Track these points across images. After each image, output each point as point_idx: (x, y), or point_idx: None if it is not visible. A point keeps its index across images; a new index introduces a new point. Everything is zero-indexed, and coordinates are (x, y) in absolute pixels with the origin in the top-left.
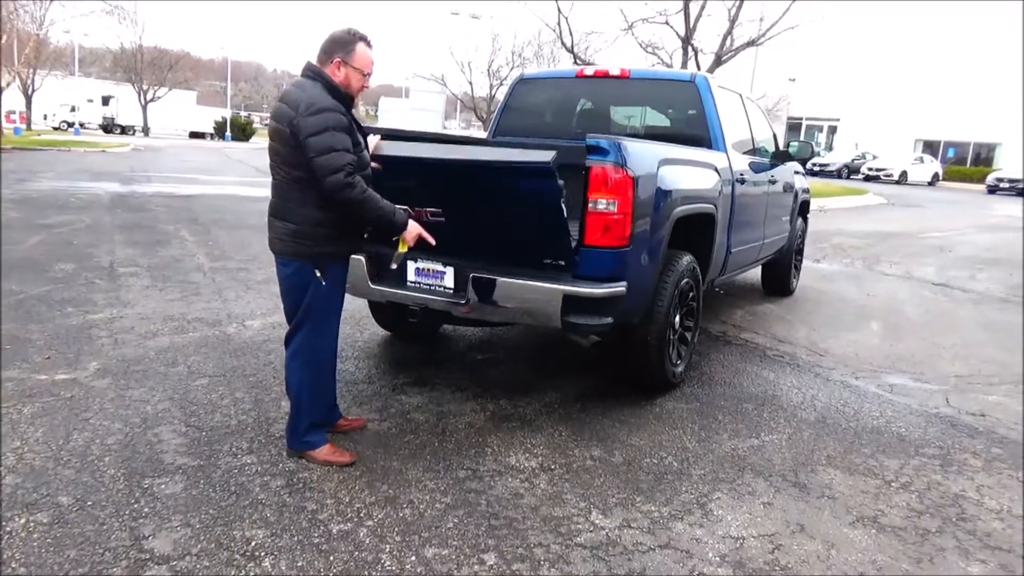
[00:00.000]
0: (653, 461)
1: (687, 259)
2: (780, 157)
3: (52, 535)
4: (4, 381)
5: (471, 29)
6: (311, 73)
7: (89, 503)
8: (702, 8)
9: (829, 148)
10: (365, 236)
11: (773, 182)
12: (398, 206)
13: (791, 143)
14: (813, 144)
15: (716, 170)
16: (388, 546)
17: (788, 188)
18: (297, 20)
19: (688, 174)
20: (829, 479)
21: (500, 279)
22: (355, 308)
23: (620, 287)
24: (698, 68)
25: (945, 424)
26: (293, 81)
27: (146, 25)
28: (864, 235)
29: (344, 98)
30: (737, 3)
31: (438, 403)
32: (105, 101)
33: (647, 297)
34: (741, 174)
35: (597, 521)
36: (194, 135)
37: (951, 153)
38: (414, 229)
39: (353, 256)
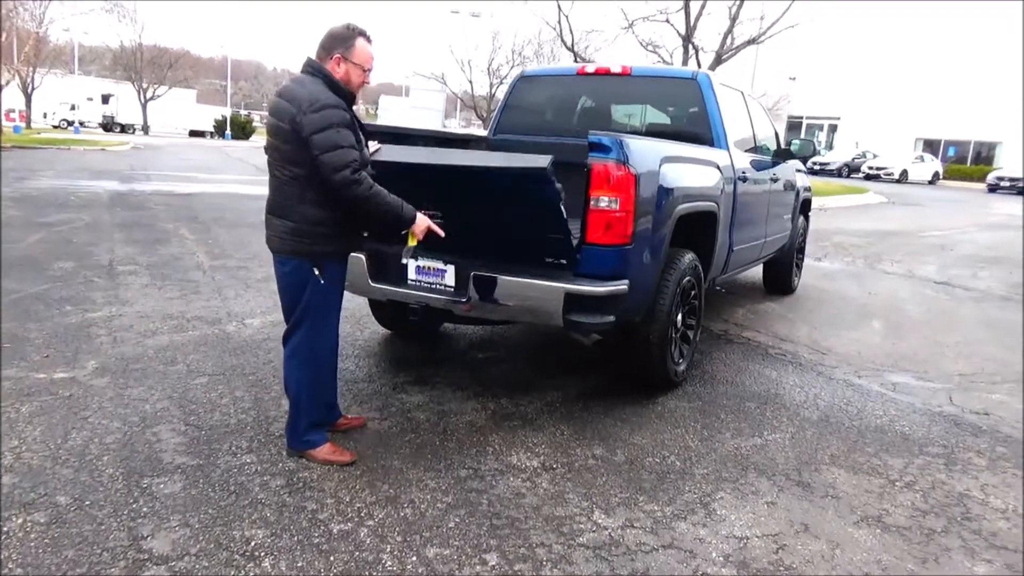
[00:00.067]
0: (655, 460)
1: (689, 257)
2: (782, 155)
3: (50, 535)
4: (3, 380)
5: (471, 27)
6: (311, 69)
7: (87, 503)
8: (703, 7)
9: (829, 147)
10: (365, 235)
11: (775, 180)
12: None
13: (792, 141)
14: (815, 142)
15: (718, 168)
16: (389, 546)
17: (790, 186)
18: (297, 18)
19: (690, 172)
20: (833, 478)
21: (501, 277)
22: (355, 306)
23: (622, 285)
24: (699, 66)
25: (949, 423)
26: (292, 77)
27: (146, 23)
28: (865, 234)
29: (345, 94)
30: (738, 2)
31: (439, 402)
32: (105, 99)
33: (649, 295)
34: (743, 172)
35: (600, 521)
36: (194, 133)
37: (951, 152)
38: (423, 222)
39: (353, 254)
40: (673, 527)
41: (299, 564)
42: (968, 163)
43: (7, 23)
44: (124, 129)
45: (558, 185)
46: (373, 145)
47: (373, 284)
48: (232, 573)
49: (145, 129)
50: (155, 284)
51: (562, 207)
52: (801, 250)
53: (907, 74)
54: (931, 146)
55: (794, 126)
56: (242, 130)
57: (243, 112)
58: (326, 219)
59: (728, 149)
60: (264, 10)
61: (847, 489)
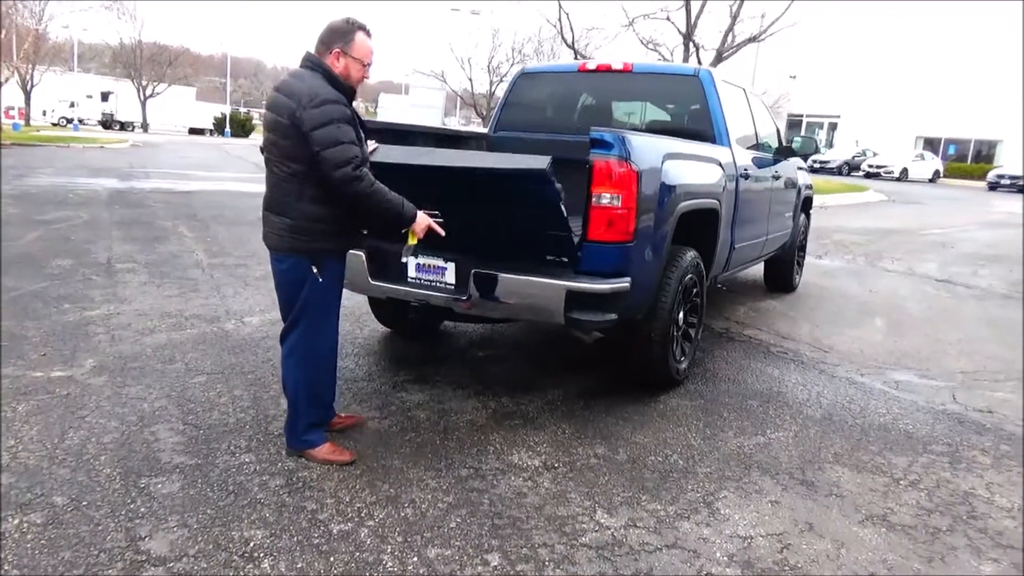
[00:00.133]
0: (658, 459)
1: (691, 255)
2: (783, 153)
3: (46, 536)
4: (1, 379)
5: (471, 25)
6: (310, 63)
7: (84, 503)
8: (703, 5)
9: (830, 145)
10: (365, 232)
11: (777, 178)
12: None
13: (794, 138)
14: (816, 139)
15: (720, 165)
16: (390, 547)
17: (791, 184)
18: (297, 16)
19: (692, 169)
20: (837, 477)
21: (502, 275)
22: (355, 304)
23: (624, 283)
24: (699, 64)
25: (952, 421)
26: (291, 71)
27: (145, 21)
28: (865, 231)
29: (345, 89)
30: (738, 0)
31: (439, 401)
32: (104, 97)
33: (651, 293)
34: (745, 169)
35: (602, 520)
36: (193, 131)
37: (952, 150)
38: (423, 221)
39: (353, 252)
40: (676, 527)
41: (299, 565)
42: (968, 161)
43: (6, 20)
44: (123, 127)
45: (558, 185)
46: (371, 144)
47: (373, 282)
48: (231, 574)
49: (144, 127)
50: (153, 282)
51: (562, 206)
52: (802, 248)
53: (907, 72)
54: (931, 144)
55: (794, 124)
56: (241, 128)
57: (242, 110)
58: (325, 216)
59: (730, 146)
60: (264, 8)
61: (851, 488)
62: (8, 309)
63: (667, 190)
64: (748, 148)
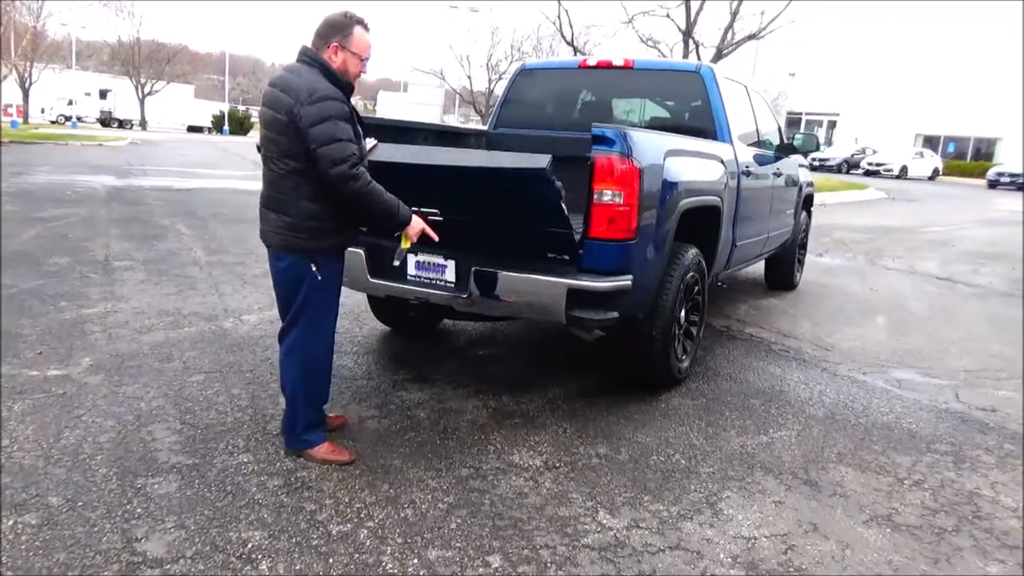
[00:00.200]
0: (660, 459)
1: (693, 252)
2: (784, 150)
3: (41, 537)
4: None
5: (470, 23)
6: (307, 58)
7: (80, 504)
8: (703, 2)
9: (829, 143)
10: (364, 229)
11: (778, 175)
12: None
13: (795, 135)
14: (817, 136)
15: (722, 162)
16: (389, 548)
17: (793, 181)
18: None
19: (694, 166)
20: (840, 477)
21: (502, 273)
22: (354, 303)
23: (626, 281)
24: (699, 61)
25: (956, 420)
26: (287, 66)
27: (143, 18)
28: (865, 229)
29: (343, 85)
30: None
31: (439, 400)
32: (102, 95)
33: (653, 291)
34: (747, 166)
35: (604, 521)
36: (192, 129)
37: (951, 148)
38: (417, 224)
39: (352, 249)
40: (679, 527)
41: (297, 567)
42: (968, 159)
43: (5, 17)
44: (122, 124)
45: (558, 184)
46: (370, 141)
47: (372, 280)
48: None
49: (143, 124)
50: (151, 280)
51: (563, 205)
52: (803, 246)
53: (907, 70)
54: (931, 142)
55: (793, 122)
56: (240, 126)
57: (241, 108)
58: (324, 214)
59: (732, 143)
60: (262, 5)
61: (855, 488)
62: (4, 307)
63: (669, 187)
64: (750, 145)
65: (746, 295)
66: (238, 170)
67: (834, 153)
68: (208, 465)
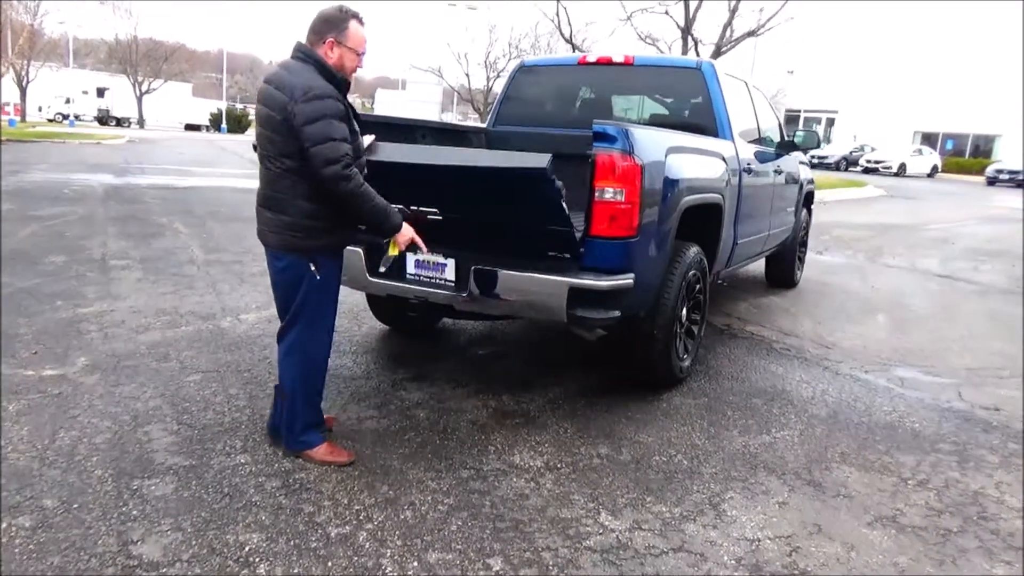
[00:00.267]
0: (662, 459)
1: (694, 250)
2: (785, 147)
3: (35, 540)
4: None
5: (468, 20)
6: (302, 55)
7: (75, 506)
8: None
9: (827, 140)
10: (363, 228)
11: (779, 172)
12: (393, 205)
13: (796, 132)
14: (818, 133)
15: (723, 159)
16: (389, 551)
17: (793, 178)
18: (292, 12)
19: (696, 163)
20: (844, 477)
21: (503, 271)
22: (353, 302)
23: (628, 279)
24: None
25: (959, 419)
26: (282, 63)
27: (141, 16)
28: (865, 227)
29: (339, 82)
30: None
31: (439, 399)
32: (100, 93)
33: (654, 290)
34: (748, 164)
35: (606, 523)
36: (189, 127)
37: (950, 145)
38: (407, 233)
39: (350, 248)
40: (682, 529)
41: (295, 570)
42: (966, 156)
43: (2, 16)
44: (119, 123)
45: (558, 183)
46: (368, 138)
47: (371, 279)
48: None
49: (140, 123)
50: (148, 278)
51: (563, 204)
52: (804, 243)
53: (905, 67)
54: (929, 139)
55: (792, 119)
56: (238, 124)
57: (238, 106)
58: (321, 212)
59: (733, 140)
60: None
61: (859, 488)
62: (2, 307)
63: (671, 184)
64: (751, 142)
65: (746, 293)
66: (236, 168)
67: (832, 151)
68: (205, 466)
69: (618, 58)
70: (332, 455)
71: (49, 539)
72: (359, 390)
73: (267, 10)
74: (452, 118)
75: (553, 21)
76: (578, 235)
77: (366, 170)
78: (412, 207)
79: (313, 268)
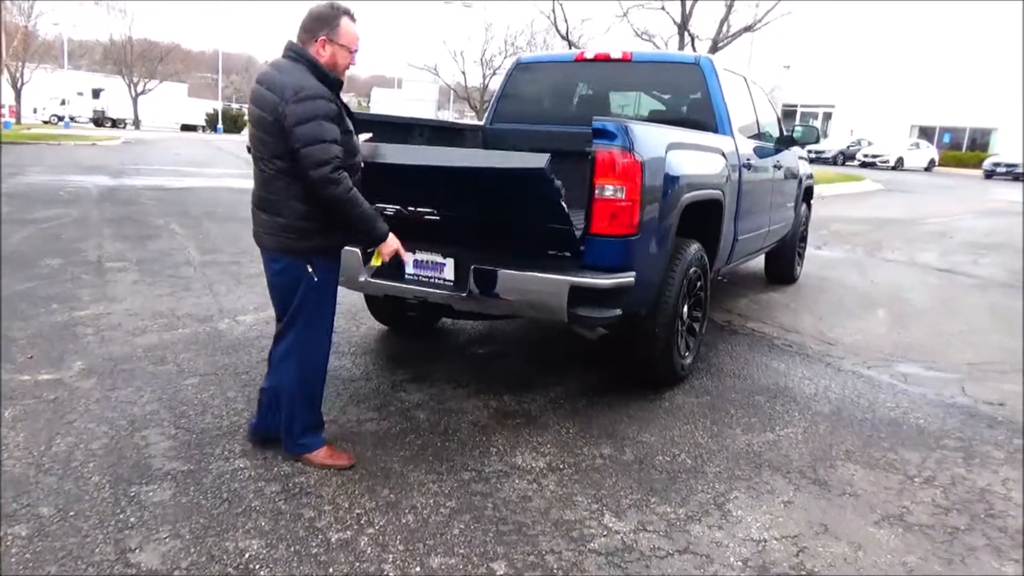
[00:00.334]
0: (666, 459)
1: (695, 248)
2: (784, 142)
3: (31, 549)
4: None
5: (464, 18)
6: (294, 54)
7: (72, 513)
8: None
9: (824, 135)
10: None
11: (778, 167)
12: (391, 205)
13: (795, 127)
14: (818, 128)
15: (723, 155)
16: (391, 555)
17: (793, 174)
18: (288, 11)
19: (696, 159)
20: (850, 475)
21: (503, 271)
22: (351, 302)
23: (629, 277)
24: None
25: (963, 414)
26: (273, 62)
27: (135, 17)
28: (863, 221)
29: (332, 81)
30: None
31: (439, 400)
32: (95, 94)
33: (655, 288)
34: (747, 159)
35: (611, 524)
36: (185, 128)
37: (947, 139)
38: (393, 244)
39: (348, 248)
40: (688, 530)
41: None
42: (963, 149)
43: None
44: (115, 124)
45: (557, 183)
46: (364, 135)
47: (369, 279)
48: None
49: (136, 123)
50: (144, 280)
51: (563, 203)
52: (803, 239)
53: (902, 61)
54: (926, 133)
55: (788, 114)
56: (234, 123)
57: (234, 106)
58: (316, 214)
59: (732, 136)
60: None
61: (865, 486)
62: None
63: (671, 181)
64: (750, 137)
65: (746, 289)
66: (232, 168)
67: (830, 145)
68: (204, 471)
69: (616, 54)
70: (332, 458)
71: (46, 548)
72: (358, 391)
73: (262, 9)
74: (448, 116)
75: (549, 18)
76: (578, 233)
77: (361, 170)
78: (409, 208)
79: (310, 270)
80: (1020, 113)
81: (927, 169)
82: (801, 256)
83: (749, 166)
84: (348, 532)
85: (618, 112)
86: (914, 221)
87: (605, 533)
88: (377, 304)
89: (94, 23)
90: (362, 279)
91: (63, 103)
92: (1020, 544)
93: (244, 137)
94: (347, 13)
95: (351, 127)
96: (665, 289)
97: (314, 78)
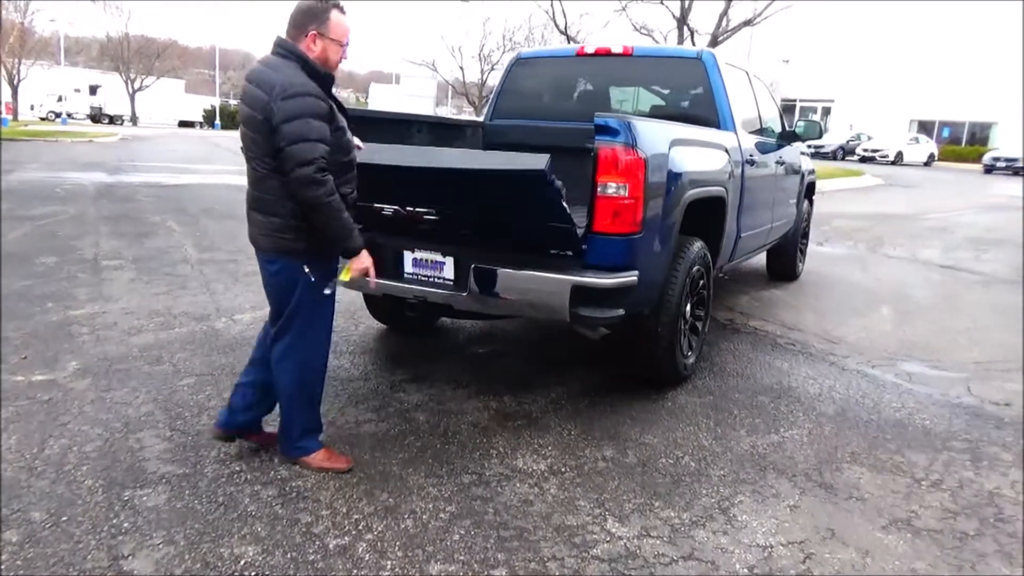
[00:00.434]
0: (669, 461)
1: (698, 245)
2: (787, 138)
3: (23, 556)
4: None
5: (462, 13)
6: (283, 51)
7: (64, 519)
8: None
9: (824, 129)
10: (359, 226)
11: (780, 163)
12: (383, 207)
13: (798, 123)
14: (821, 123)
15: (726, 151)
16: (390, 562)
17: (795, 169)
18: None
19: (699, 155)
20: (856, 478)
21: (503, 270)
22: (349, 300)
23: (632, 276)
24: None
25: (969, 415)
26: (263, 59)
27: (132, 13)
28: (864, 217)
29: (323, 77)
30: None
31: (439, 401)
32: (92, 91)
33: (658, 287)
34: (750, 155)
35: (614, 530)
36: (183, 124)
37: (946, 133)
38: (365, 261)
39: None
40: (692, 535)
41: None
42: (963, 144)
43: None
44: (112, 120)
45: (558, 184)
46: (355, 141)
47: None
48: None
49: (134, 120)
50: (141, 279)
51: (564, 203)
52: (805, 235)
53: (901, 55)
54: (925, 127)
55: (788, 109)
56: (231, 120)
57: (232, 102)
58: None
59: (735, 131)
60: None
61: (872, 490)
62: None
63: (674, 178)
64: (752, 133)
65: (748, 286)
66: (229, 165)
67: (829, 140)
68: (199, 475)
69: (617, 49)
70: (330, 461)
71: (37, 555)
72: (357, 392)
73: (259, 5)
74: (447, 112)
75: (547, 13)
76: (580, 232)
77: (355, 169)
78: (408, 208)
79: (307, 270)
80: (1020, 107)
81: (926, 164)
82: (803, 253)
83: (752, 162)
84: (346, 538)
85: (618, 107)
86: (915, 216)
87: (608, 539)
88: (376, 303)
89: (91, 20)
90: (327, 292)
91: (60, 100)
92: None
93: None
94: (336, 6)
95: (344, 124)
96: (668, 288)
97: (305, 75)
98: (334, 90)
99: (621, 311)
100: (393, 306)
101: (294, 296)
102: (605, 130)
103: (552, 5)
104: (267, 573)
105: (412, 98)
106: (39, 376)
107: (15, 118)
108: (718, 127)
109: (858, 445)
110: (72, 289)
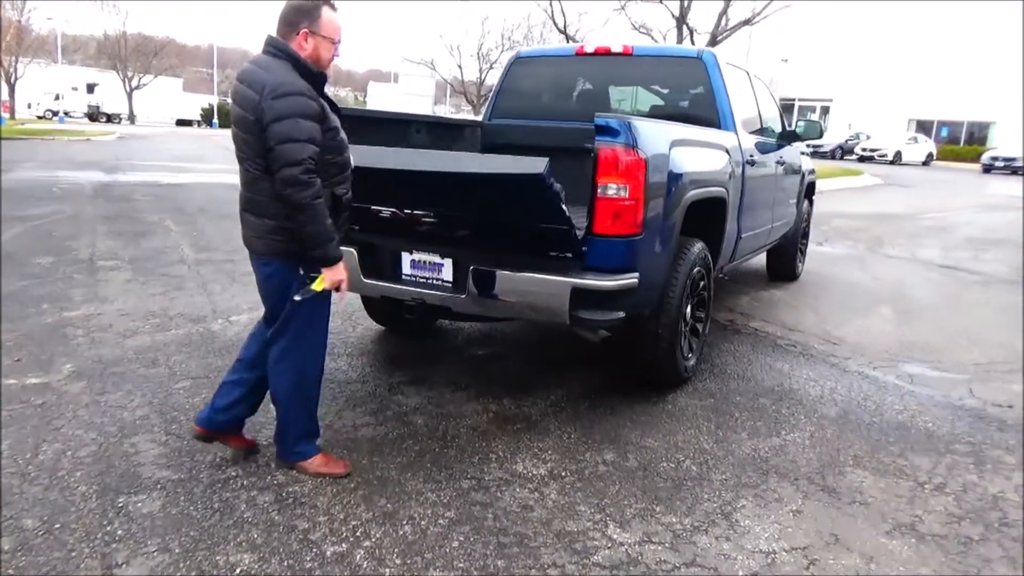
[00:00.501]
0: (670, 465)
1: (699, 247)
2: (787, 137)
3: (14, 564)
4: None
5: (460, 12)
6: (274, 50)
7: (57, 526)
8: None
9: (824, 129)
10: (356, 227)
11: (781, 163)
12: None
13: (799, 122)
14: (821, 123)
15: (727, 151)
16: (388, 570)
17: (795, 169)
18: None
19: (700, 156)
20: (859, 482)
21: (503, 272)
22: (347, 301)
23: (632, 278)
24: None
25: (972, 417)
26: (253, 59)
27: (129, 11)
28: (863, 216)
29: (315, 76)
30: None
31: (437, 404)
32: (90, 89)
33: (659, 288)
34: (751, 155)
35: (615, 536)
36: (181, 123)
37: (944, 132)
38: (340, 274)
39: (343, 248)
40: (694, 541)
41: None
42: (961, 143)
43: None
44: (110, 119)
45: (557, 186)
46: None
47: (365, 280)
48: None
49: (131, 118)
50: (137, 279)
51: (563, 206)
52: (805, 235)
53: (899, 54)
54: (924, 127)
55: (786, 108)
56: (229, 119)
57: (230, 100)
58: None
59: (735, 131)
60: None
61: (875, 494)
62: None
63: (675, 179)
64: (752, 133)
65: (747, 287)
66: (227, 164)
67: (828, 139)
68: (195, 480)
69: (617, 48)
70: (327, 466)
71: (29, 563)
72: (354, 395)
73: (257, 3)
74: (445, 111)
75: (546, 12)
76: (580, 234)
77: (350, 170)
78: (407, 210)
79: (302, 272)
80: (1019, 106)
81: (925, 163)
82: (803, 253)
83: (752, 162)
84: (344, 545)
85: (624, 105)
86: (914, 216)
87: (609, 545)
88: (374, 305)
89: (88, 18)
90: (297, 298)
91: (57, 98)
92: None
93: None
94: (328, 3)
95: (337, 124)
96: (669, 290)
97: (296, 74)
98: (331, 89)
99: (621, 313)
100: (391, 308)
101: (290, 299)
102: (605, 130)
103: (551, 4)
104: None
105: (410, 97)
106: (33, 379)
107: (12, 116)
108: (718, 127)
109: (861, 448)
110: (67, 290)
